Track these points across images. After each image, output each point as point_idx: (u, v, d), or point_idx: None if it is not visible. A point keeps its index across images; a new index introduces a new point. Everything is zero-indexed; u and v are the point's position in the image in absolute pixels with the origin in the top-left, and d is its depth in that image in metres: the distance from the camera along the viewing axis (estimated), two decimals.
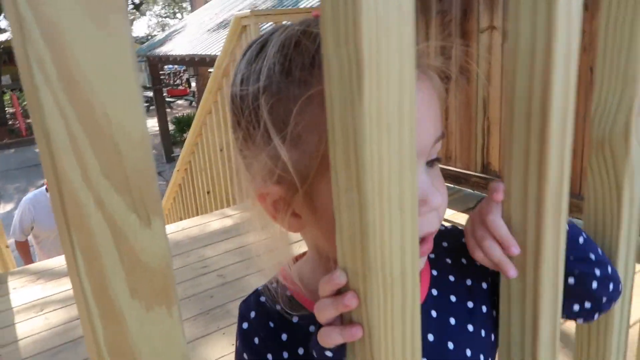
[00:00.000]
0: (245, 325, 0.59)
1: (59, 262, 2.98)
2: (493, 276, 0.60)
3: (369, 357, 0.42)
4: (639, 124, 0.59)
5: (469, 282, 0.60)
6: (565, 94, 0.45)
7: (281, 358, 0.56)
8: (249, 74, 0.49)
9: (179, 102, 18.59)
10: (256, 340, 0.57)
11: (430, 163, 0.50)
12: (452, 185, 3.54)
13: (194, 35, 10.01)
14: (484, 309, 0.59)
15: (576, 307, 0.59)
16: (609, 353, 0.75)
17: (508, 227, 0.51)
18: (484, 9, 3.05)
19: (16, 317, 2.39)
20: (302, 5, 7.78)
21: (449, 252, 0.61)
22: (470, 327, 0.57)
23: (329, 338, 0.43)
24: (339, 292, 0.42)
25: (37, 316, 2.38)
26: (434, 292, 0.58)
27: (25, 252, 3.51)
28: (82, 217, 0.26)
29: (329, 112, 0.36)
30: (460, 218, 2.85)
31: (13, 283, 2.74)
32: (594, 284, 0.57)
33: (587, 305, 0.58)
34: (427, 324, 0.55)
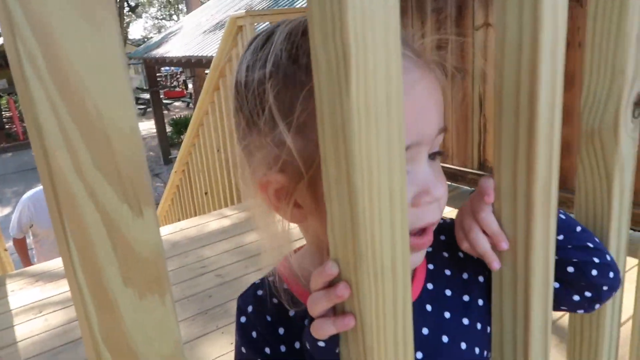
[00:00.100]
0: (243, 319, 0.59)
1: (57, 264, 2.98)
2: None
3: (361, 346, 0.42)
4: (627, 115, 0.60)
5: (465, 275, 0.60)
6: (552, 87, 0.46)
7: (278, 352, 0.56)
8: (254, 60, 0.49)
9: (176, 103, 18.59)
10: (254, 334, 0.58)
11: (432, 156, 0.51)
12: (449, 183, 3.55)
13: (190, 37, 10.01)
14: (480, 302, 0.60)
15: (576, 298, 0.59)
16: (601, 349, 0.75)
17: (498, 219, 0.52)
18: (478, 6, 3.05)
19: (15, 319, 2.39)
20: (297, 5, 7.78)
21: (447, 245, 0.61)
22: (465, 321, 0.58)
23: (322, 329, 0.44)
24: (331, 285, 0.43)
25: (36, 318, 2.38)
26: (430, 286, 0.59)
27: (22, 250, 3.51)
28: (74, 208, 0.26)
29: (318, 106, 0.37)
30: None
31: (11, 285, 2.74)
32: (594, 272, 0.57)
33: (588, 294, 0.59)
34: (422, 318, 0.56)
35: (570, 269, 0.57)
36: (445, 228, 0.61)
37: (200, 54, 7.93)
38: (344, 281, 0.42)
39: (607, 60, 0.59)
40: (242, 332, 0.59)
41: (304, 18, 0.48)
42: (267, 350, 0.57)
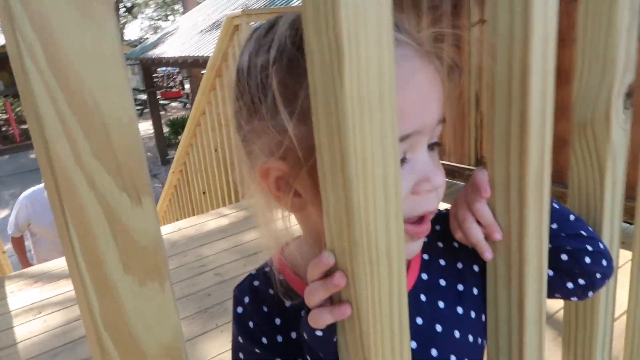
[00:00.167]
0: (239, 309, 0.60)
1: (55, 264, 2.98)
2: None
3: (358, 334, 0.43)
4: (619, 107, 0.61)
5: (460, 265, 0.61)
6: (544, 77, 0.47)
7: (275, 342, 0.57)
8: (258, 47, 0.49)
9: (173, 104, 18.57)
10: (250, 324, 0.58)
11: (431, 146, 0.52)
12: (446, 180, 3.56)
13: (186, 37, 10.00)
14: (475, 291, 0.60)
15: (570, 285, 0.60)
16: (595, 342, 0.77)
17: (492, 209, 0.53)
18: (474, 3, 3.06)
19: (14, 320, 2.39)
20: (293, 4, 7.78)
21: (442, 236, 0.62)
22: (459, 310, 0.59)
23: (319, 319, 0.44)
24: (327, 276, 0.44)
25: (35, 319, 2.38)
26: (424, 276, 0.59)
27: (20, 249, 3.50)
28: (75, 197, 0.27)
29: (313, 98, 0.37)
30: None
31: (10, 287, 2.74)
32: (587, 259, 0.58)
33: (581, 282, 0.60)
34: (416, 308, 0.56)
35: (564, 257, 0.58)
36: (441, 218, 0.62)
37: (196, 54, 7.93)
38: (340, 270, 0.42)
39: (599, 52, 0.60)
40: (239, 323, 0.59)
41: None
42: (264, 340, 0.57)
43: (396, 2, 0.37)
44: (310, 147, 0.46)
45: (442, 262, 0.61)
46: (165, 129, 12.86)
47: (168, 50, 9.89)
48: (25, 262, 3.51)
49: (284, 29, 0.47)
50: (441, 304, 0.58)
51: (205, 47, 8.06)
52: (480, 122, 3.30)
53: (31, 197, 3.37)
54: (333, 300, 0.45)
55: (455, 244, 0.61)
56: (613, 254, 0.71)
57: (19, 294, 2.65)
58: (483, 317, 0.60)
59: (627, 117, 0.62)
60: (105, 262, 0.29)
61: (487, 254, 0.55)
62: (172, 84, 20.42)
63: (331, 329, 0.46)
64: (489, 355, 0.60)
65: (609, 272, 0.61)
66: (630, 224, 0.89)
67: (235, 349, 0.60)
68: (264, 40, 0.49)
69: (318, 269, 0.43)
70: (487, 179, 0.53)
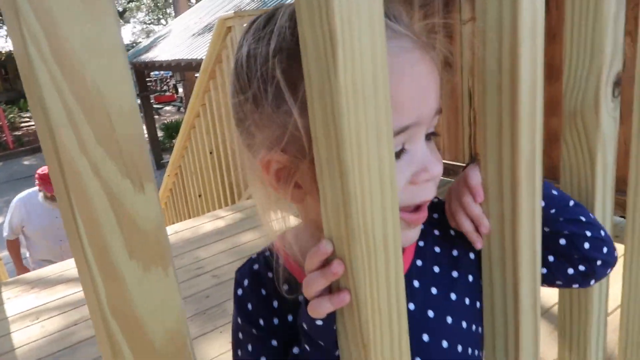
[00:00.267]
0: (239, 292, 0.62)
1: (52, 270, 2.98)
2: None
3: (356, 320, 0.44)
4: (607, 94, 0.62)
5: (455, 252, 0.62)
6: (533, 66, 0.48)
7: (272, 324, 0.58)
8: (257, 39, 0.49)
9: (167, 108, 18.53)
10: (249, 306, 0.60)
11: (427, 137, 0.52)
12: (441, 177, 3.57)
13: (179, 40, 9.99)
14: (470, 278, 0.61)
15: (570, 271, 0.61)
16: (590, 333, 0.78)
17: (485, 197, 0.54)
18: (465, 0, 3.08)
19: (12, 326, 2.39)
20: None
21: (438, 223, 0.63)
22: (453, 296, 0.60)
23: (319, 308, 0.45)
24: (325, 265, 0.44)
25: (33, 324, 2.38)
26: (418, 262, 0.60)
27: (15, 252, 3.50)
28: (80, 183, 0.28)
29: (308, 87, 0.38)
30: None
31: (7, 293, 2.74)
32: (586, 245, 0.59)
33: (581, 268, 0.60)
34: (409, 294, 0.57)
35: (562, 241, 0.59)
36: (438, 206, 0.63)
37: (189, 57, 7.92)
38: (338, 258, 0.43)
39: (587, 41, 0.61)
40: (239, 305, 0.61)
41: None
42: (261, 322, 0.59)
43: None
44: (311, 138, 0.47)
45: (437, 249, 0.62)
46: (159, 133, 12.83)
47: (161, 54, 9.88)
48: (21, 265, 3.50)
49: (283, 21, 0.48)
50: (434, 290, 0.59)
51: (198, 50, 8.05)
52: (474, 119, 3.31)
53: (25, 200, 3.37)
54: (332, 289, 0.46)
55: (452, 232, 0.62)
56: None
57: (15, 300, 2.65)
58: (478, 304, 0.61)
59: (616, 105, 0.64)
60: (110, 248, 0.29)
61: (478, 244, 0.57)
62: (165, 87, 20.38)
63: (331, 318, 0.46)
64: (485, 342, 0.61)
65: (610, 259, 0.61)
66: (623, 217, 0.91)
67: (235, 329, 0.62)
68: (263, 32, 0.49)
69: (317, 257, 0.44)
70: (480, 181, 0.55)
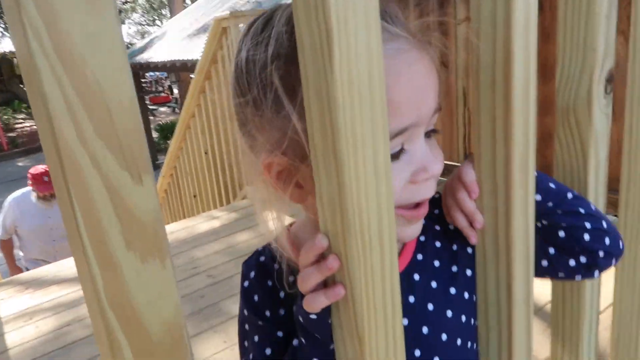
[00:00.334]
0: (246, 283, 0.62)
1: (46, 271, 2.97)
2: None
3: (352, 314, 0.44)
4: (600, 92, 0.63)
5: (455, 247, 0.63)
6: (526, 62, 0.49)
7: (278, 315, 0.59)
8: (256, 43, 0.50)
9: (162, 109, 18.48)
10: (256, 297, 0.61)
11: (427, 134, 0.53)
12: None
13: (174, 41, 9.98)
14: (469, 272, 0.62)
15: (572, 262, 0.61)
16: (582, 330, 0.79)
17: (479, 191, 0.55)
18: (460, 0, 3.10)
19: (5, 326, 2.38)
20: None
21: (439, 219, 0.63)
22: (452, 290, 0.60)
23: (314, 302, 0.46)
24: (320, 260, 0.45)
25: (27, 325, 2.37)
26: (419, 256, 0.61)
27: (8, 252, 3.48)
28: (79, 175, 0.28)
29: (304, 81, 0.39)
30: None
31: (1, 294, 2.73)
32: (586, 236, 0.59)
33: (583, 259, 0.60)
34: (409, 287, 0.58)
35: (561, 234, 0.60)
36: (439, 202, 0.63)
37: (185, 58, 7.91)
38: (334, 253, 0.44)
39: (579, 39, 0.62)
40: (245, 296, 0.62)
41: None
42: (267, 313, 0.60)
43: None
44: None
45: (437, 243, 0.63)
46: (154, 134, 12.80)
47: (156, 54, 9.86)
48: (14, 265, 3.49)
49: (280, 25, 0.48)
50: (434, 284, 0.60)
51: (194, 50, 8.04)
52: (468, 119, 3.33)
53: (18, 200, 3.36)
54: (327, 284, 0.46)
55: (451, 226, 0.62)
56: None
57: (9, 301, 2.64)
58: (475, 298, 0.62)
59: (608, 101, 0.65)
60: (108, 239, 0.30)
61: (472, 239, 0.58)
62: (160, 88, 20.33)
63: (325, 312, 0.47)
64: (479, 335, 0.62)
65: (613, 250, 0.61)
66: (615, 216, 0.92)
67: (241, 321, 0.63)
68: (261, 36, 0.49)
69: (312, 251, 0.45)
70: (474, 178, 0.55)
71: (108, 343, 0.32)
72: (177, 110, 16.19)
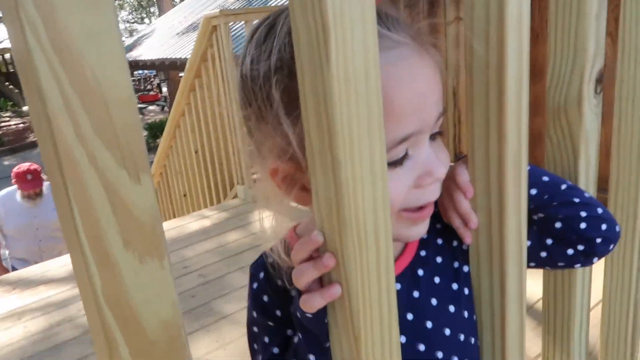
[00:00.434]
0: (255, 285, 0.63)
1: (34, 271, 2.94)
2: None
3: (347, 312, 0.44)
4: (590, 91, 0.64)
5: (456, 264, 0.63)
6: (519, 62, 0.49)
7: (289, 313, 0.59)
8: (259, 54, 0.50)
9: (151, 107, 18.34)
10: (265, 298, 0.61)
11: (432, 136, 0.53)
12: None
13: (163, 39, 9.92)
14: (466, 268, 0.63)
15: (570, 251, 0.62)
16: (572, 325, 0.80)
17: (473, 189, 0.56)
18: (450, 1, 3.11)
19: None
20: (271, 4, 7.78)
21: (442, 234, 0.64)
22: (455, 286, 0.61)
23: (311, 303, 0.46)
24: (316, 257, 0.45)
25: (15, 325, 2.34)
26: (422, 252, 0.61)
27: None
28: (76, 173, 0.28)
29: (300, 78, 0.39)
30: None
31: None
32: (582, 225, 0.60)
33: (581, 247, 0.61)
34: (414, 282, 0.59)
35: (558, 225, 0.60)
36: (441, 216, 0.64)
37: (174, 56, 7.86)
38: (330, 252, 0.44)
39: (570, 39, 0.63)
40: (254, 298, 0.62)
41: None
42: (278, 312, 0.60)
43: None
44: None
45: (439, 241, 0.63)
46: (144, 133, 12.71)
47: (145, 53, 9.79)
48: (0, 265, 3.45)
49: (282, 35, 0.48)
50: (437, 279, 0.60)
51: (183, 49, 8.00)
52: (459, 119, 3.34)
53: (3, 199, 3.32)
54: (323, 283, 0.46)
55: (455, 243, 0.63)
56: None
57: None
58: (475, 317, 0.62)
59: (598, 101, 0.65)
60: (106, 238, 0.29)
61: (467, 239, 0.59)
62: (149, 87, 20.19)
63: (322, 310, 0.47)
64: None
65: (610, 235, 0.61)
66: None
67: (250, 323, 0.63)
68: (264, 46, 0.50)
69: (307, 246, 0.45)
70: (468, 179, 0.56)
71: (105, 342, 0.31)
72: (166, 108, 16.11)
